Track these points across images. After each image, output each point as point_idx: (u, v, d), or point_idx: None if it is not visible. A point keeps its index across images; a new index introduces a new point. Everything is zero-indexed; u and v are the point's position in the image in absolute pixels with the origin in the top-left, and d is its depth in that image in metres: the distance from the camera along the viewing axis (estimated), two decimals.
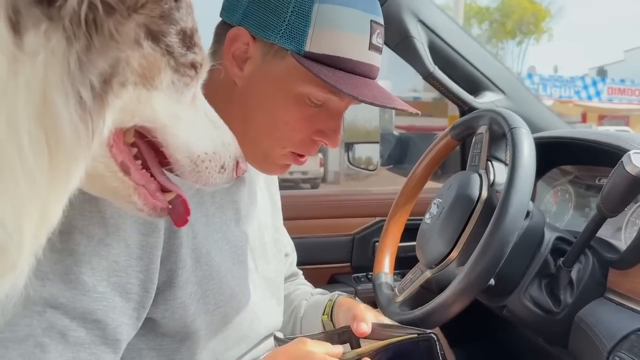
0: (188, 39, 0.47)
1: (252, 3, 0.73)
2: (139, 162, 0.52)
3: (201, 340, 0.76)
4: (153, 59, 0.44)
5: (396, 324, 0.83)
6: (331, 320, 0.94)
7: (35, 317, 0.58)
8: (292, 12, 0.70)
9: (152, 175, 0.54)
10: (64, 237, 0.61)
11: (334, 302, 0.95)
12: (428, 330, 0.74)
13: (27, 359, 0.57)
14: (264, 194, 0.97)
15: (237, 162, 0.57)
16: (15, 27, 0.35)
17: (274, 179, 1.03)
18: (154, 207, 0.53)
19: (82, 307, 0.61)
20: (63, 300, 0.60)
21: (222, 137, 0.56)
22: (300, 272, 1.16)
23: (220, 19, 0.80)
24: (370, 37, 0.73)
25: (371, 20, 0.73)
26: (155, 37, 0.44)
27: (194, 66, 0.49)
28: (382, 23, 0.76)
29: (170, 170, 0.53)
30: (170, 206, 0.55)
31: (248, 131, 0.77)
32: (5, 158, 0.35)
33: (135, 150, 0.52)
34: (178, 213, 0.57)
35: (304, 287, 1.11)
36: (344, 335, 0.80)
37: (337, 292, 1.01)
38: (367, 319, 0.80)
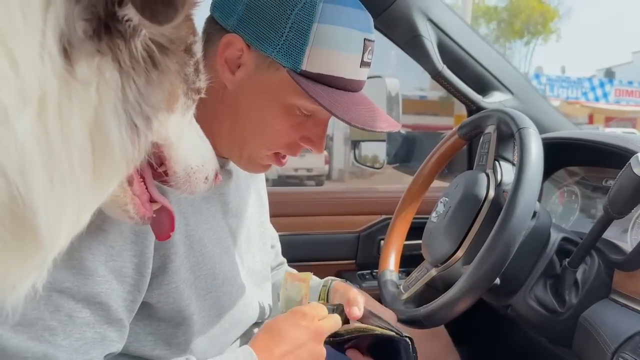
0: (198, 68, 0.53)
1: (249, 12, 0.73)
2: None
3: (196, 324, 0.79)
4: (176, 86, 0.49)
5: (381, 317, 0.86)
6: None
7: (42, 301, 0.61)
8: (290, 28, 0.71)
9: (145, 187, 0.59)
10: None
11: (329, 288, 0.98)
12: (405, 334, 0.80)
13: (36, 342, 0.60)
14: (250, 188, 0.99)
15: (216, 173, 0.64)
16: (67, 55, 0.39)
17: (260, 175, 1.04)
18: (142, 215, 0.58)
19: (86, 290, 0.64)
20: (68, 285, 0.63)
21: (208, 151, 0.63)
22: (285, 260, 1.18)
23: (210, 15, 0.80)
24: (363, 54, 0.75)
25: (365, 39, 0.75)
26: (179, 67, 0.49)
27: (199, 91, 0.55)
28: (374, 39, 0.78)
29: (164, 182, 0.59)
30: (154, 215, 0.60)
31: (236, 132, 0.79)
32: (57, 165, 0.40)
33: None
34: (162, 226, 0.63)
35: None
36: (337, 311, 0.85)
37: (330, 277, 1.02)
38: (360, 302, 0.85)
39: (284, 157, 0.83)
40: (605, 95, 20.01)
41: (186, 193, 0.61)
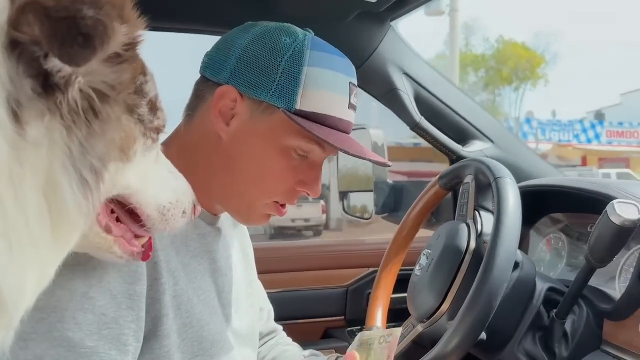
0: (154, 106, 0.53)
1: (240, 63, 0.77)
2: (114, 215, 0.57)
3: None
4: (129, 130, 0.49)
5: None
6: None
7: None
8: (281, 73, 0.75)
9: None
10: (46, 294, 0.58)
11: None
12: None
13: None
14: (236, 246, 0.96)
15: (194, 205, 0.63)
16: (17, 118, 0.38)
17: (244, 232, 1.02)
18: (131, 253, 0.58)
19: None
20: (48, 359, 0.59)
21: (181, 185, 0.61)
22: (280, 327, 1.12)
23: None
24: (349, 97, 0.80)
25: (350, 82, 0.80)
26: (130, 110, 0.49)
27: (158, 129, 0.54)
28: (357, 84, 0.83)
29: (143, 227, 0.58)
30: (143, 249, 0.61)
31: (233, 183, 0.80)
32: (14, 230, 0.39)
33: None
34: (144, 250, 0.62)
35: (292, 348, 1.07)
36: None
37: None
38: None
39: (283, 205, 0.83)
40: (597, 136, 20.31)
41: (166, 231, 0.60)
